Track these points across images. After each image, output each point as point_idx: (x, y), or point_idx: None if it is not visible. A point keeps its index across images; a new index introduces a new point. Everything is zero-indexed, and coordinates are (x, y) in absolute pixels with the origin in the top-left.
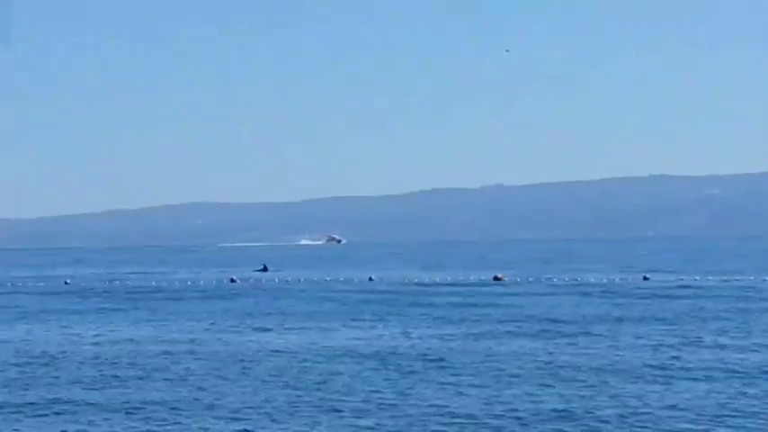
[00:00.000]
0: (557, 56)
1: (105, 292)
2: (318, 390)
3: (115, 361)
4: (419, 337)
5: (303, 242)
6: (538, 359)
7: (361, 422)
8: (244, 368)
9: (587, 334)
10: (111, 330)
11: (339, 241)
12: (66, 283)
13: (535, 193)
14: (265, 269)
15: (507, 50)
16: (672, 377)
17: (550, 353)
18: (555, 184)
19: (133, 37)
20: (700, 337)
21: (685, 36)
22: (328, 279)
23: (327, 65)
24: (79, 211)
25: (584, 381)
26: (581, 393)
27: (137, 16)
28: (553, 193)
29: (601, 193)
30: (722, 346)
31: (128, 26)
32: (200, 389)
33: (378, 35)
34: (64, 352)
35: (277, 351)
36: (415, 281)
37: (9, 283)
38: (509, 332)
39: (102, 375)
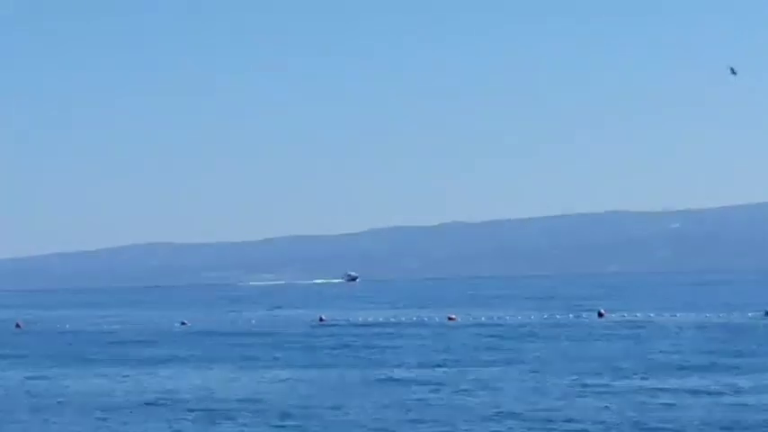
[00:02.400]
0: (514, 92)
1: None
2: None
3: None
4: None
5: (318, 281)
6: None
7: None
8: None
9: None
10: None
11: (354, 279)
12: None
13: (494, 230)
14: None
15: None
16: None
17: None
18: (513, 220)
19: (83, 74)
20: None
21: (641, 69)
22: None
23: (284, 106)
24: (29, 253)
25: None
26: None
27: (100, 50)
28: (514, 230)
29: (562, 230)
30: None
31: (89, 63)
32: None
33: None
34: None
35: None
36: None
37: None
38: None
39: None
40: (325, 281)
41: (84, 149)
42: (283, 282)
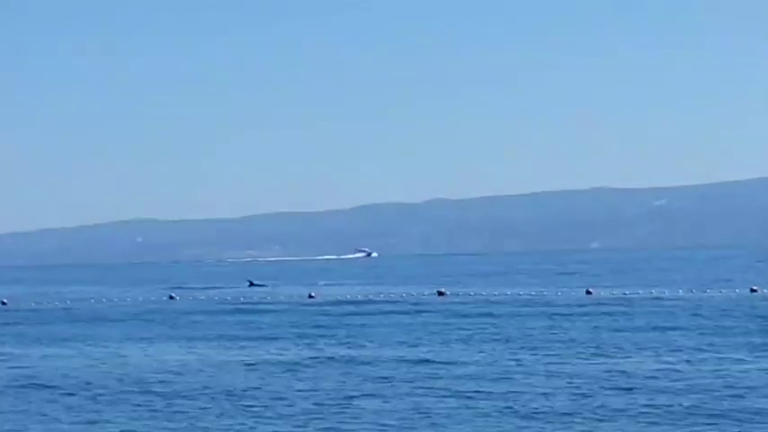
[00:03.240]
0: (496, 64)
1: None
2: None
3: None
4: None
5: (327, 257)
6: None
7: None
8: None
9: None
10: None
11: (369, 254)
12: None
13: (479, 207)
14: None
15: None
16: None
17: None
18: (498, 197)
19: (70, 50)
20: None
21: (627, 46)
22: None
23: (261, 78)
24: (9, 229)
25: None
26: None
27: (94, 22)
28: (498, 207)
29: (545, 206)
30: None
31: (82, 36)
32: None
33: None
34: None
35: None
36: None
37: None
38: None
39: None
40: (335, 257)
41: (64, 125)
42: (291, 258)
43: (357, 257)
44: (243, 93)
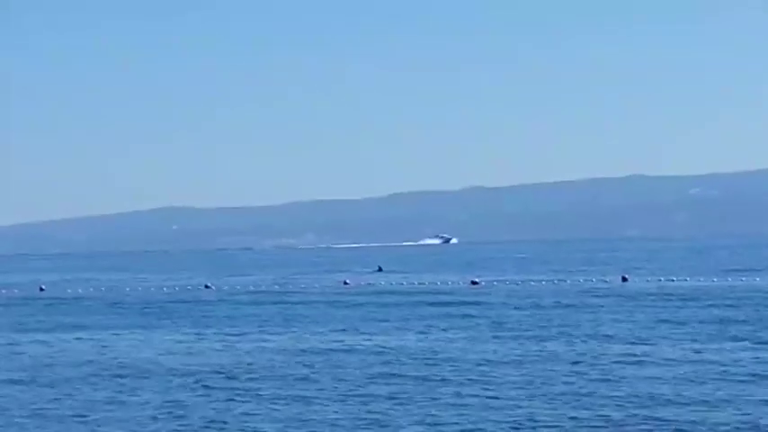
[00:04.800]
0: (534, 55)
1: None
2: None
3: None
4: None
5: (409, 243)
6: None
7: None
8: None
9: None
10: None
11: (448, 240)
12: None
13: (516, 195)
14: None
15: None
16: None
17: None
18: (536, 185)
19: (103, 39)
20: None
21: (662, 37)
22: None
23: (304, 69)
24: (51, 217)
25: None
26: None
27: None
28: (534, 194)
29: (581, 194)
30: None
31: (110, 25)
32: None
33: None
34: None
35: None
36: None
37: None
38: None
39: None
40: (412, 243)
41: (104, 114)
42: (368, 245)
43: (434, 244)
44: (274, 81)
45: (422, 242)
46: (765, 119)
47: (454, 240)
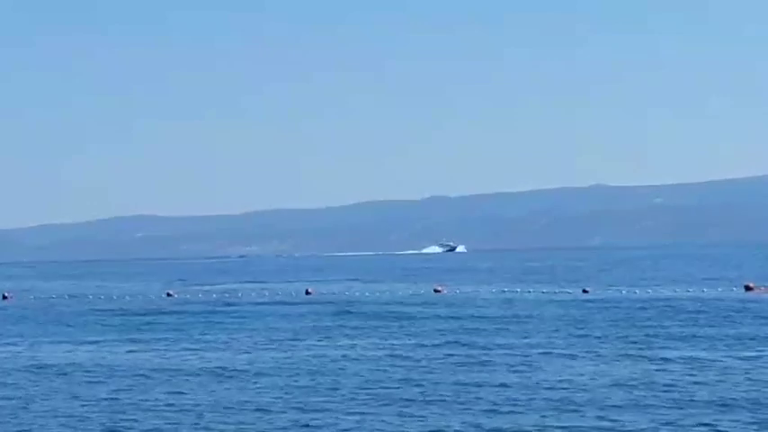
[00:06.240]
0: (499, 67)
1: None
2: None
3: None
4: None
5: (411, 252)
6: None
7: None
8: None
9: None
10: None
11: (453, 249)
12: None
13: (478, 204)
14: None
15: None
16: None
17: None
18: (497, 194)
19: (68, 52)
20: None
21: (625, 46)
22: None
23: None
24: (13, 225)
25: None
26: None
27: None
28: (497, 204)
29: (545, 203)
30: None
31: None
32: None
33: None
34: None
35: None
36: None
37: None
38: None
39: None
40: (415, 252)
41: (64, 121)
42: (372, 253)
43: (437, 252)
44: (239, 89)
45: (425, 251)
46: (728, 130)
47: (461, 248)
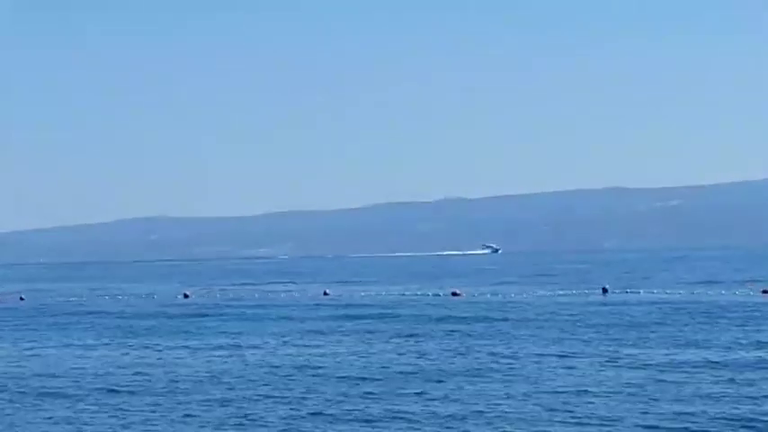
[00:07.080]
0: (513, 69)
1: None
2: None
3: None
4: None
5: (455, 252)
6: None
7: None
8: None
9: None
10: None
11: (496, 250)
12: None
13: (492, 206)
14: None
15: None
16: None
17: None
18: (514, 196)
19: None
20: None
21: (640, 48)
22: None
23: (283, 83)
24: (30, 226)
25: None
26: None
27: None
28: (512, 206)
29: (558, 205)
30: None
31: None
32: None
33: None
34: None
35: None
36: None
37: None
38: None
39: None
40: (460, 252)
41: (81, 123)
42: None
43: (482, 254)
44: (252, 89)
45: (469, 252)
46: (745, 132)
47: (500, 250)
